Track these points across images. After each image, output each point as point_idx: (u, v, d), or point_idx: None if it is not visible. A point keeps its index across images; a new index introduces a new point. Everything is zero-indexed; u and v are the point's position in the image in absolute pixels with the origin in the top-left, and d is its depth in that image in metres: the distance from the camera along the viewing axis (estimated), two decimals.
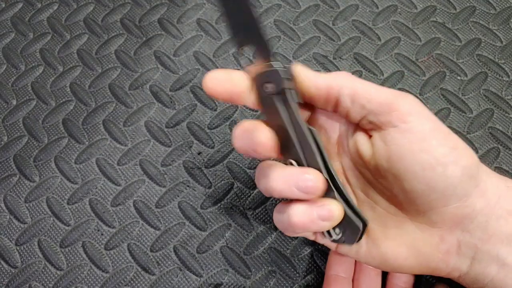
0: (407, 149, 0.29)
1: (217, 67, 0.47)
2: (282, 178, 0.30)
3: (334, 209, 0.30)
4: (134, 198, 0.42)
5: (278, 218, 0.31)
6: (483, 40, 0.47)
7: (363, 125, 0.31)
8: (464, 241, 0.30)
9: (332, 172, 0.30)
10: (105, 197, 0.42)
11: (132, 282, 0.39)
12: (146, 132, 0.45)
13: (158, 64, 0.48)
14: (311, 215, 0.30)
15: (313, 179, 0.29)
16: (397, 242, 0.31)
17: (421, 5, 0.49)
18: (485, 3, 0.49)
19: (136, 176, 0.43)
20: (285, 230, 0.31)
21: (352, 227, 0.31)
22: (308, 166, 0.30)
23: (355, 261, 0.37)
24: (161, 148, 0.44)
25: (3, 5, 0.52)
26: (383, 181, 0.31)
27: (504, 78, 0.45)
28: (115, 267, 0.40)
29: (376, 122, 0.30)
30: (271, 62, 0.29)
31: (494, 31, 0.47)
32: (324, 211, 0.30)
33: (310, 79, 0.30)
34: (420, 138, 0.28)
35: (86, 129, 0.45)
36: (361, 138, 0.31)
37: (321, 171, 0.30)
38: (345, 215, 0.31)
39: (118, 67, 0.48)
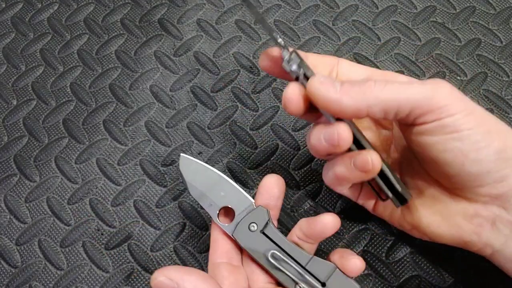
0: (438, 139, 0.29)
1: (217, 67, 0.47)
2: (314, 134, 0.31)
3: (369, 159, 0.30)
4: (135, 198, 0.42)
5: (324, 174, 0.34)
6: (483, 40, 0.47)
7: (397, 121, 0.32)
8: (500, 217, 0.30)
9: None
10: (106, 197, 0.42)
11: (132, 282, 0.39)
12: (146, 132, 0.45)
13: (158, 64, 0.48)
14: (348, 166, 0.31)
15: (338, 131, 0.30)
16: (431, 210, 0.33)
17: (421, 5, 0.49)
18: (485, 3, 0.49)
19: (136, 176, 0.43)
20: (331, 185, 0.34)
21: (397, 197, 0.33)
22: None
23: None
24: (161, 148, 0.44)
25: (3, 5, 0.52)
26: (418, 161, 0.32)
27: (504, 78, 0.45)
28: (115, 267, 0.40)
29: (410, 122, 0.30)
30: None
31: (494, 31, 0.47)
32: (359, 160, 0.30)
33: (331, 101, 0.29)
34: (453, 130, 0.29)
35: (86, 129, 0.45)
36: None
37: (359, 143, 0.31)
38: (390, 184, 0.32)
39: (118, 67, 0.48)
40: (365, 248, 0.39)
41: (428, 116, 0.29)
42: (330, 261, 0.33)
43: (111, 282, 0.39)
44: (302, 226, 0.33)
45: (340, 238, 0.40)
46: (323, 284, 0.32)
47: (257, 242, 0.33)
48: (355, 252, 0.39)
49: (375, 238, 0.39)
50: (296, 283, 0.32)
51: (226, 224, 0.34)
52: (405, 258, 0.39)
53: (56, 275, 0.40)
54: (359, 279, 0.38)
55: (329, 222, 0.32)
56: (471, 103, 0.30)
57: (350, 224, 0.40)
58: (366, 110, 0.29)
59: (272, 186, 0.34)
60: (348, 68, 0.34)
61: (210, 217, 0.35)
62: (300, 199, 0.41)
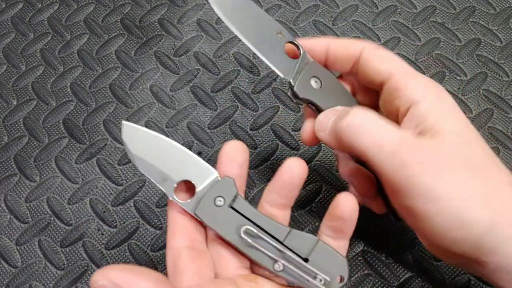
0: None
1: (217, 67, 0.47)
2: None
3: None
4: (135, 198, 0.42)
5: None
6: (483, 40, 0.47)
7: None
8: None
9: None
10: (106, 197, 0.42)
11: None
12: None
13: (158, 64, 0.48)
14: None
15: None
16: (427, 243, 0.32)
17: (420, 5, 0.49)
18: (485, 3, 0.49)
19: (136, 176, 0.43)
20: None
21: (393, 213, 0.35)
22: None
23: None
24: None
25: (4, 5, 0.53)
26: None
27: (504, 78, 0.45)
28: None
29: None
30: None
31: (494, 31, 0.47)
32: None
33: (326, 142, 0.33)
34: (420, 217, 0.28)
35: (86, 129, 0.45)
36: None
37: None
38: None
39: (118, 67, 0.48)
40: (365, 248, 0.39)
41: (385, 183, 0.30)
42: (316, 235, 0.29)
43: None
44: (269, 188, 0.30)
45: None
46: (306, 260, 0.28)
47: (225, 219, 0.28)
48: (355, 252, 0.39)
49: (375, 238, 0.39)
50: (275, 261, 0.28)
51: (186, 201, 0.29)
52: (405, 258, 0.39)
53: (56, 275, 0.40)
54: (359, 279, 0.38)
55: (294, 165, 0.29)
56: (445, 184, 0.27)
57: None
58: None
59: (235, 152, 0.30)
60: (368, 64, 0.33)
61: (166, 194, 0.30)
62: (300, 200, 0.41)
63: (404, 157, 0.27)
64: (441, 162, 0.27)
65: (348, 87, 0.36)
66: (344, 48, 0.34)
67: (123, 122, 0.30)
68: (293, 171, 0.29)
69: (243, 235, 0.28)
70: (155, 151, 0.29)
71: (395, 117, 0.31)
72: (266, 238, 0.28)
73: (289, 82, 0.33)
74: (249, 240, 0.28)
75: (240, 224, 0.28)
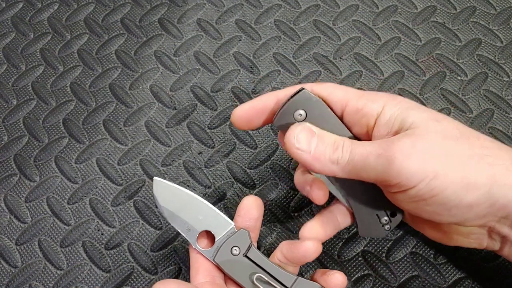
0: (411, 205, 0.31)
1: (217, 67, 0.47)
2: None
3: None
4: (135, 198, 0.42)
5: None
6: (483, 40, 0.47)
7: None
8: (494, 229, 0.31)
9: None
10: (106, 196, 0.42)
11: (132, 282, 0.39)
12: (146, 132, 0.45)
13: (158, 64, 0.48)
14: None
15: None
16: (430, 226, 0.34)
17: (421, 5, 0.49)
18: (486, 3, 0.49)
19: (136, 176, 0.43)
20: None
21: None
22: None
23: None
24: (161, 148, 0.44)
25: (4, 5, 0.52)
26: None
27: (504, 78, 0.45)
28: (115, 267, 0.40)
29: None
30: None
31: (495, 31, 0.47)
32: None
33: (306, 163, 0.31)
34: (419, 199, 0.29)
35: (86, 129, 0.45)
36: None
37: None
38: None
39: (118, 67, 0.48)
40: (365, 248, 0.39)
41: (392, 188, 0.30)
42: (314, 281, 0.33)
43: (111, 282, 0.39)
44: (283, 250, 0.33)
45: (340, 238, 0.39)
46: None
47: (240, 266, 0.33)
48: (355, 252, 0.39)
49: (375, 238, 0.39)
50: None
51: (207, 249, 0.33)
52: (405, 258, 0.38)
53: (56, 275, 0.40)
54: (359, 279, 0.38)
55: (310, 248, 0.32)
56: (435, 160, 0.29)
57: (350, 224, 0.40)
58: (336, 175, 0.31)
59: (251, 208, 0.34)
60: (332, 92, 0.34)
61: (188, 241, 0.34)
62: (300, 200, 0.41)
63: (389, 153, 0.29)
64: (423, 143, 0.29)
65: None
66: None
67: (155, 178, 0.34)
68: (308, 252, 0.32)
69: (255, 281, 0.32)
70: (181, 204, 0.34)
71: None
72: (275, 285, 0.32)
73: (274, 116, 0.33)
74: (261, 287, 0.32)
75: (253, 271, 0.32)
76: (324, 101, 0.33)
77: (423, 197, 0.29)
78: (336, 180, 0.34)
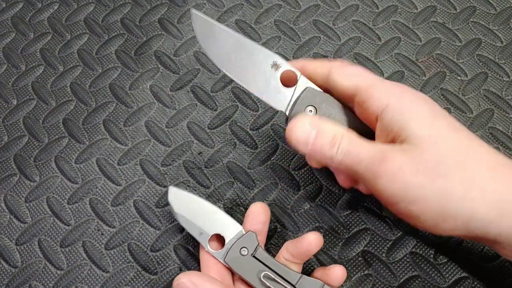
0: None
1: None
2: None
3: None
4: (135, 198, 0.42)
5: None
6: (483, 40, 0.47)
7: None
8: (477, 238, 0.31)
9: None
10: (105, 197, 0.42)
11: (132, 282, 0.39)
12: (146, 132, 0.45)
13: (158, 64, 0.48)
14: None
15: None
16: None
17: (421, 5, 0.49)
18: (486, 3, 0.49)
19: (136, 176, 0.43)
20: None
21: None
22: None
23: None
24: (161, 148, 0.44)
25: (4, 5, 0.52)
26: None
27: (504, 78, 0.45)
28: (115, 267, 0.40)
29: None
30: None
31: (495, 31, 0.47)
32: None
33: (304, 154, 0.33)
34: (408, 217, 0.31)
35: (86, 129, 0.45)
36: None
37: None
38: None
39: (118, 67, 0.48)
40: (365, 248, 0.39)
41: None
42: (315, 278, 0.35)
43: (111, 282, 0.39)
44: (289, 248, 0.36)
45: (340, 238, 0.40)
46: None
47: (249, 265, 0.35)
48: (355, 252, 0.39)
49: (375, 238, 0.39)
50: None
51: (218, 251, 0.36)
52: (405, 258, 0.38)
53: (56, 275, 0.40)
54: (359, 279, 0.38)
55: (313, 240, 0.35)
56: (417, 187, 0.29)
57: (350, 224, 0.40)
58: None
59: (259, 213, 0.36)
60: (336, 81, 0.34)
61: (200, 244, 0.36)
62: (300, 200, 0.41)
63: (376, 169, 0.30)
64: (411, 167, 0.29)
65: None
66: (313, 70, 0.35)
67: (170, 187, 0.38)
68: (311, 244, 0.35)
69: (262, 279, 0.34)
70: (194, 211, 0.37)
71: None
72: (281, 282, 0.34)
73: (285, 114, 0.35)
74: (267, 283, 0.34)
75: (260, 270, 0.35)
76: (331, 94, 0.34)
77: (401, 215, 0.31)
78: None
